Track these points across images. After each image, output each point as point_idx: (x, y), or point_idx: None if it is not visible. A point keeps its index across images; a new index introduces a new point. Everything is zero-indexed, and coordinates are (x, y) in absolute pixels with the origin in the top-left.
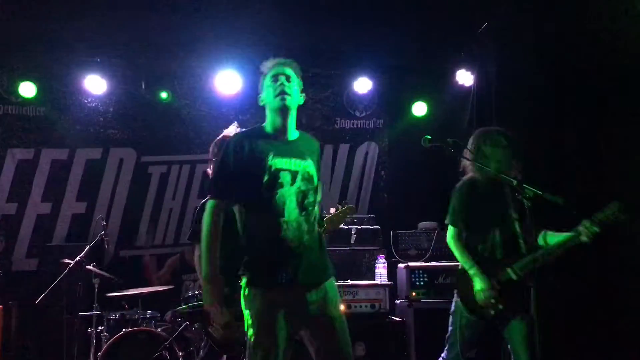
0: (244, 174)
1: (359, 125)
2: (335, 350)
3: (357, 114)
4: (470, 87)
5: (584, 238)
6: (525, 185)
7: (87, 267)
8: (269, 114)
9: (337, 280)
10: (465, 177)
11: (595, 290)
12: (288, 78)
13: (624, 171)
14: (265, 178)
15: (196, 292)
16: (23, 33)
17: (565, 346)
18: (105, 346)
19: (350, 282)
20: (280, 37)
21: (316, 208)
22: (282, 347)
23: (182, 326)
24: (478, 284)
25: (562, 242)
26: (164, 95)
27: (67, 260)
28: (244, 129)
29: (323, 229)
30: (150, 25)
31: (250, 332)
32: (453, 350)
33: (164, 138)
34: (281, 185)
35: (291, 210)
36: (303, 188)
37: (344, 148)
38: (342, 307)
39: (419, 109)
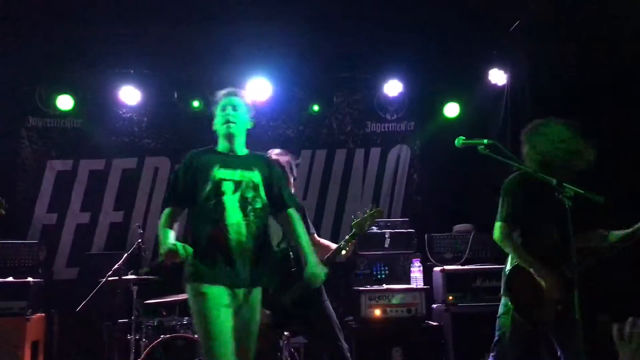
0: (192, 184)
1: (390, 129)
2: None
3: (388, 116)
4: (503, 86)
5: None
6: (565, 184)
7: (124, 276)
8: (219, 139)
9: (371, 285)
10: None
11: None
12: (234, 107)
13: None
14: (209, 187)
15: None
16: (59, 47)
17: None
18: (143, 353)
19: (385, 286)
20: (310, 43)
21: (262, 213)
22: (229, 336)
23: None
24: (548, 281)
25: (629, 234)
26: (196, 104)
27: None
28: (196, 149)
29: (351, 233)
30: (182, 35)
31: (197, 323)
32: (501, 357)
33: (197, 146)
34: (223, 193)
35: (232, 215)
36: (246, 195)
37: (375, 152)
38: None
39: (451, 110)
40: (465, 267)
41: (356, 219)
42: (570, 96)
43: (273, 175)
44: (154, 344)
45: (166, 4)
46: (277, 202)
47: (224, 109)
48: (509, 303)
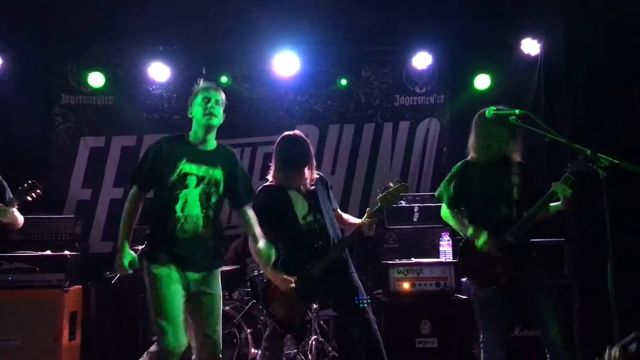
0: (158, 171)
1: (419, 102)
2: (202, 327)
3: (417, 90)
4: (536, 56)
5: (559, 194)
6: (600, 154)
7: None
8: (194, 127)
9: (400, 259)
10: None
11: None
12: (216, 102)
13: None
14: (173, 178)
15: (261, 272)
16: (89, 25)
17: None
18: None
19: (414, 260)
20: (337, 16)
21: (218, 207)
22: (178, 315)
23: (249, 305)
24: (479, 239)
25: (544, 200)
26: (224, 79)
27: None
28: (169, 135)
29: (377, 207)
30: (208, 10)
31: (150, 300)
32: (490, 339)
33: (226, 121)
34: (186, 187)
35: (191, 207)
36: (207, 191)
37: (403, 125)
38: (404, 286)
39: (482, 82)
40: None
41: (382, 193)
42: (606, 65)
43: (236, 173)
44: None
45: None
46: (234, 199)
47: (207, 101)
48: (467, 279)
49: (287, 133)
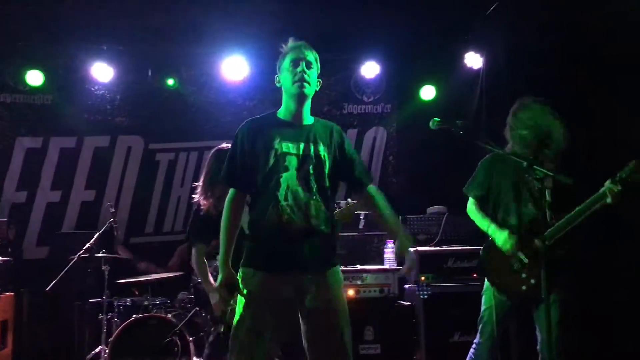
0: (252, 160)
1: (366, 110)
2: (327, 347)
3: (365, 98)
4: (479, 69)
5: (608, 199)
6: (535, 166)
7: (97, 254)
8: (285, 98)
9: (345, 266)
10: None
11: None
12: (309, 64)
13: None
14: (271, 162)
15: None
16: (28, 21)
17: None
18: (116, 332)
19: (359, 267)
20: (286, 22)
21: (329, 192)
22: (268, 334)
23: (192, 312)
24: (499, 238)
25: (587, 205)
26: (170, 82)
27: (80, 252)
28: (254, 117)
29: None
30: (156, 11)
31: (239, 313)
32: (485, 334)
33: (171, 125)
34: (286, 169)
35: (298, 194)
36: (312, 172)
37: (351, 133)
38: (349, 293)
39: (427, 92)
40: (438, 248)
41: (338, 210)
42: (546, 79)
43: (346, 148)
44: (126, 323)
45: None
46: (351, 180)
47: (296, 64)
48: (487, 280)
49: (221, 146)
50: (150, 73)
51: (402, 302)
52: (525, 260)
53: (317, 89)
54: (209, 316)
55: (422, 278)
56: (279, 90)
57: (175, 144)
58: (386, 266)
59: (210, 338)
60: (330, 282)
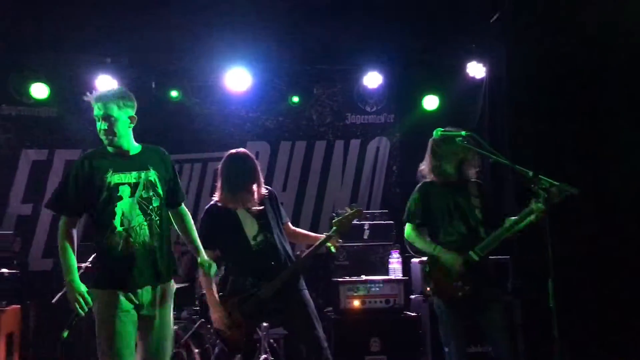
0: (86, 191)
1: (369, 121)
2: (148, 351)
3: (368, 109)
4: (482, 79)
5: (532, 217)
6: (541, 176)
7: None
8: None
9: (350, 276)
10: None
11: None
12: (108, 118)
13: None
14: (105, 194)
15: None
16: (34, 34)
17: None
18: None
19: (364, 277)
20: (289, 34)
21: (163, 211)
22: (126, 342)
23: (198, 324)
24: (448, 259)
25: (514, 222)
26: (174, 94)
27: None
28: (87, 152)
29: (333, 230)
30: (160, 24)
31: (98, 332)
32: (452, 349)
33: (175, 137)
34: (120, 198)
35: (133, 218)
36: (145, 196)
37: (354, 143)
38: (355, 304)
39: (430, 102)
40: None
41: (337, 217)
42: (549, 88)
43: (168, 171)
44: None
45: None
46: (170, 199)
47: (97, 120)
48: (434, 295)
49: (232, 151)
50: (154, 85)
51: (408, 312)
52: (467, 289)
53: (132, 126)
54: (212, 330)
55: (428, 289)
56: (282, 101)
57: (179, 155)
58: (391, 277)
59: (216, 350)
60: (166, 294)
